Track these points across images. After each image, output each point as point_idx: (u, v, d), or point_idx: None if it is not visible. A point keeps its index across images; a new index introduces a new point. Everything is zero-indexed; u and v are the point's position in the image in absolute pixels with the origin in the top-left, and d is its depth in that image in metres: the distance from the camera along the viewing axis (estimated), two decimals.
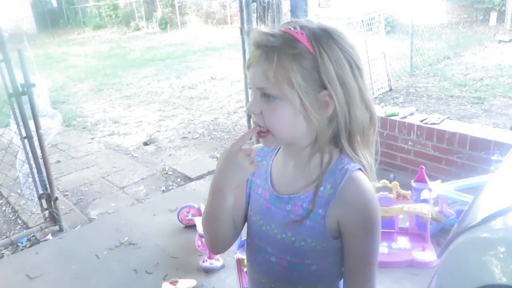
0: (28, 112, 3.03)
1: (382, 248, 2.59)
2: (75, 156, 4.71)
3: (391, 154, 3.70)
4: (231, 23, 16.88)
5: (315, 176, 0.92)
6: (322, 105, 0.87)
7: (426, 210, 2.54)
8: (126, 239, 2.99)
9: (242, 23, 4.20)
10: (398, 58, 7.83)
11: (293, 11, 4.28)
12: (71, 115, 6.27)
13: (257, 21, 4.28)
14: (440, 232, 2.76)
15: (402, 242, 2.64)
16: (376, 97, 5.98)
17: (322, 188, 0.91)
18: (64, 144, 5.09)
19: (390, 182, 2.68)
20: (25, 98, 2.97)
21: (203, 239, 2.69)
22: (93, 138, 5.30)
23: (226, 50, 11.45)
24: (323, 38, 0.86)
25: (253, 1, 4.15)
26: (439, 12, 12.22)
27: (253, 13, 4.32)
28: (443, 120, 3.46)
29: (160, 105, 6.59)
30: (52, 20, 20.21)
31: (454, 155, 3.26)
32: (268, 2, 4.17)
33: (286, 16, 4.60)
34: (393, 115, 3.66)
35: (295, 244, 0.94)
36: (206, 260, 2.62)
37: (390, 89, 6.31)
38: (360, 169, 0.91)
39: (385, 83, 6.30)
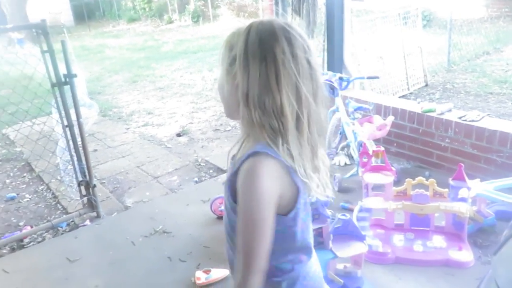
0: (69, 102, 3.14)
1: (417, 246, 2.55)
2: (111, 146, 4.84)
3: (427, 151, 3.62)
4: (263, 16, 16.84)
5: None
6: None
7: (464, 209, 2.48)
8: (160, 227, 3.06)
9: (277, 16, 4.19)
10: (434, 53, 7.61)
11: (328, 4, 4.23)
12: (107, 106, 6.43)
13: (292, 15, 4.26)
14: (477, 232, 2.69)
15: (438, 241, 2.59)
16: (411, 93, 5.86)
17: (235, 169, 0.98)
18: (101, 134, 5.23)
19: (427, 179, 2.63)
20: (66, 88, 3.07)
21: None
22: (128, 128, 5.43)
23: None
24: (257, 23, 0.97)
25: None
26: (478, 6, 11.80)
27: (288, 6, 4.30)
28: (483, 117, 3.35)
29: (193, 97, 6.66)
30: (89, 13, 20.67)
31: (494, 153, 3.17)
32: None
33: (321, 9, 4.56)
34: (430, 111, 3.58)
35: (228, 223, 1.05)
36: None
37: (426, 85, 6.16)
38: (267, 152, 0.94)
39: (420, 79, 6.15)
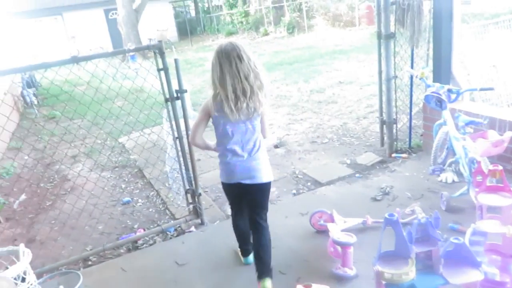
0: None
1: None
2: (212, 155, 5.07)
3: None
4: (359, 24, 16.52)
5: None
6: None
7: None
8: None
9: (379, 27, 4.09)
10: None
11: (435, 11, 4.03)
12: None
13: (395, 24, 4.12)
14: None
15: None
16: None
17: None
18: None
19: None
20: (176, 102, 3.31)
21: (337, 246, 2.69)
22: None
23: (354, 53, 11.24)
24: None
25: (392, 4, 4.00)
26: None
27: (391, 14, 4.16)
28: None
29: (289, 108, 6.75)
30: (191, 28, 22.11)
31: None
32: (408, 4, 3.98)
33: (427, 18, 4.35)
34: None
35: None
36: (339, 268, 2.61)
37: None
38: (210, 98, 2.39)
39: None
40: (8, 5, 15.91)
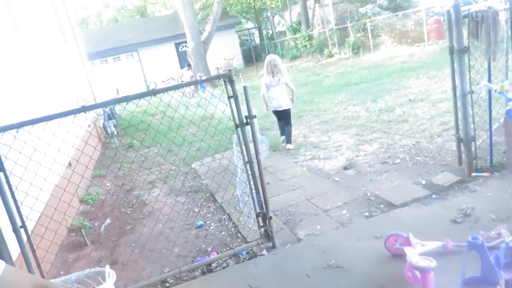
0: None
1: None
2: (282, 179, 5.12)
3: None
4: (427, 40, 15.97)
5: None
6: None
7: None
8: (333, 262, 3.08)
9: (451, 42, 3.95)
10: None
11: None
12: (275, 141, 6.86)
13: (468, 38, 3.95)
14: None
15: None
16: None
17: None
18: (272, 168, 5.59)
19: None
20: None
21: (415, 271, 2.57)
22: (296, 162, 5.68)
23: (424, 69, 10.85)
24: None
25: (464, 17, 3.85)
26: None
27: (463, 26, 4.00)
28: None
29: (357, 129, 6.64)
30: (256, 55, 22.71)
31: None
32: (482, 16, 3.81)
33: (504, 28, 4.12)
34: None
35: None
36: None
37: None
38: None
39: None
40: (90, 46, 17.47)
